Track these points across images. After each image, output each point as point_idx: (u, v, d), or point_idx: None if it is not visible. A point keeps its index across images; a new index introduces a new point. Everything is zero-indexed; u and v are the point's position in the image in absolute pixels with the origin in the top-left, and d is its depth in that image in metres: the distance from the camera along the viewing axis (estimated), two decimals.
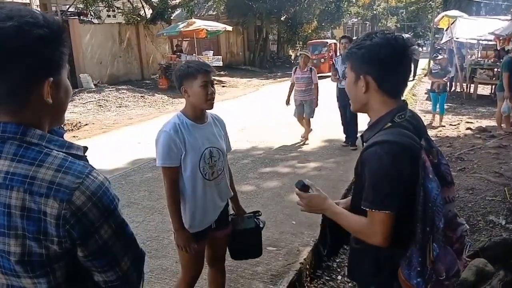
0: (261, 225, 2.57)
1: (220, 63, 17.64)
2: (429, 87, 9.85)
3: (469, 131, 8.21)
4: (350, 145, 6.99)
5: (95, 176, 0.96)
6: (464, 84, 13.40)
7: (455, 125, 8.97)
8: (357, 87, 1.46)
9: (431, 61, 14.19)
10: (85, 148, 1.05)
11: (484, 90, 13.50)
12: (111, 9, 17.13)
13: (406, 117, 1.43)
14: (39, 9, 13.74)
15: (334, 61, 6.83)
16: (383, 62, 1.38)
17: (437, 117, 9.20)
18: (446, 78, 9.11)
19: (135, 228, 4.19)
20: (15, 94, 0.92)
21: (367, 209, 1.37)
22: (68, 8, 16.39)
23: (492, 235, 3.69)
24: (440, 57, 9.27)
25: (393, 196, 1.33)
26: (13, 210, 0.91)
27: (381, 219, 1.35)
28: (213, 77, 2.24)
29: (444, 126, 9.01)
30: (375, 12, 46.60)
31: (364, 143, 1.49)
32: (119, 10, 17.54)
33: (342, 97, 6.71)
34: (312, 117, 7.54)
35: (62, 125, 1.87)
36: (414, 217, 1.33)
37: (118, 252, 1.00)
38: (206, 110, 2.30)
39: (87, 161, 1.04)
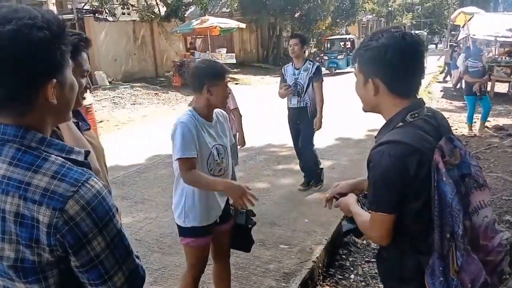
0: (249, 225, 2.55)
1: (234, 61, 17.65)
2: (448, 86, 8.98)
3: (485, 130, 8.07)
4: (314, 185, 5.09)
5: (91, 185, 0.92)
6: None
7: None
8: (366, 90, 1.42)
9: (460, 58, 13.60)
10: (87, 153, 1.02)
11: (501, 88, 13.25)
12: (125, 7, 17.27)
13: (422, 115, 1.38)
14: (55, 7, 13.95)
15: (283, 70, 5.00)
16: (391, 64, 1.33)
17: (472, 124, 8.07)
18: (486, 76, 7.93)
19: (148, 224, 4.24)
20: (18, 98, 0.90)
21: (368, 209, 1.40)
22: (84, 6, 16.55)
23: (509, 236, 3.63)
24: (483, 52, 8.28)
25: (391, 198, 1.31)
26: (8, 215, 0.89)
27: (379, 219, 1.35)
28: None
29: (489, 132, 7.84)
30: (390, 8, 46.01)
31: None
32: (134, 8, 17.66)
33: (294, 119, 5.11)
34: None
35: (86, 121, 1.89)
36: (432, 223, 1.29)
37: (111, 266, 0.95)
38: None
39: (89, 166, 1.00)
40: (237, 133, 4.36)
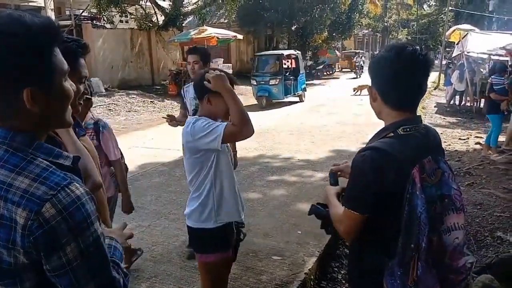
0: (241, 236, 2.47)
1: (230, 71, 17.71)
2: (442, 102, 8.53)
3: (478, 146, 8.15)
4: None
5: (72, 190, 0.91)
6: (474, 99, 13.32)
7: (464, 139, 8.92)
8: (371, 98, 1.53)
9: (454, 74, 13.67)
10: (76, 158, 1.02)
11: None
12: (124, 15, 17.33)
13: (414, 131, 1.44)
14: (53, 13, 13.95)
15: (183, 92, 3.84)
16: (383, 75, 1.45)
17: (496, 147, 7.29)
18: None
19: (141, 232, 4.21)
20: (0, 103, 0.92)
21: (342, 205, 1.49)
22: (82, 12, 16.62)
23: (499, 252, 3.65)
24: (509, 68, 7.39)
25: (364, 200, 1.39)
26: None
27: (349, 216, 1.43)
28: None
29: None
30: (386, 24, 46.59)
31: None
32: (132, 16, 17.74)
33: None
34: None
35: (82, 127, 1.89)
36: (398, 230, 1.36)
37: (83, 275, 0.92)
38: None
39: (78, 171, 1.00)
40: None
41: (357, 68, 27.02)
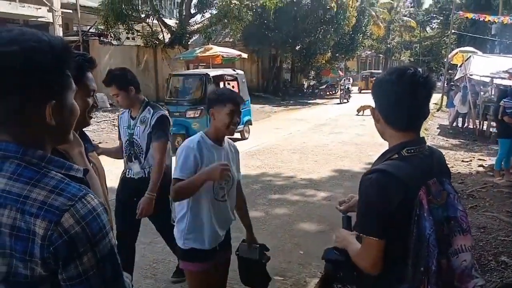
0: (263, 260, 2.57)
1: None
2: (444, 123, 8.46)
3: (481, 169, 8.13)
4: None
5: (88, 200, 0.94)
6: (477, 121, 13.35)
7: (467, 161, 8.90)
8: (374, 118, 1.54)
9: (457, 97, 13.66)
10: (86, 171, 1.05)
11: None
12: (130, 32, 17.61)
13: (418, 152, 1.44)
14: (61, 29, 14.14)
15: (119, 119, 3.34)
16: (385, 98, 1.47)
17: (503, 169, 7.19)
18: None
19: (142, 249, 4.19)
20: (16, 116, 0.94)
21: (358, 233, 1.45)
22: (89, 28, 16.88)
23: (504, 277, 3.61)
24: None
25: (377, 224, 1.37)
26: (3, 228, 0.90)
27: (368, 244, 1.39)
28: (241, 109, 2.35)
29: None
30: (389, 45, 47.06)
31: None
32: (139, 33, 18.02)
33: (130, 194, 3.11)
34: None
35: (91, 142, 1.91)
36: (407, 253, 1.35)
37: (98, 284, 0.94)
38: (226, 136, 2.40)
39: (87, 183, 1.03)
40: None
41: (343, 93, 23.98)
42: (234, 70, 12.07)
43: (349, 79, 26.76)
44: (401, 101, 1.42)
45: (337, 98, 28.55)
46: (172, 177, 2.28)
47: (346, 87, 24.01)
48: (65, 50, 0.99)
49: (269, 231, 4.74)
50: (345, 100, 23.52)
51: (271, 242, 4.39)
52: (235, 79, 11.56)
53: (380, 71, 34.60)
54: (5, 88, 0.91)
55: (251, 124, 11.84)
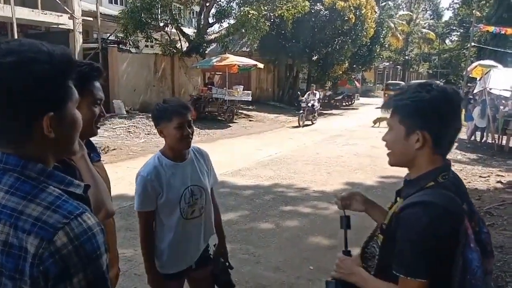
0: (221, 277, 2.41)
1: (250, 98, 17.91)
2: (462, 137, 8.20)
3: (499, 185, 7.92)
4: None
5: (84, 219, 0.91)
6: (496, 136, 13.08)
7: (485, 177, 8.69)
8: (407, 142, 1.35)
9: (476, 110, 13.40)
10: (87, 187, 1.03)
11: None
12: (149, 40, 17.85)
13: (450, 177, 1.34)
14: (81, 36, 14.44)
15: None
16: (443, 117, 1.30)
17: None
18: None
19: (141, 263, 4.16)
20: (14, 128, 0.92)
21: (400, 275, 1.26)
22: (109, 36, 17.17)
23: None
24: None
25: (429, 263, 1.22)
26: None
27: (413, 286, 1.23)
28: (190, 118, 2.16)
29: None
30: (407, 57, 46.71)
31: (398, 199, 1.41)
32: (157, 42, 18.25)
33: None
34: None
35: (97, 152, 1.90)
36: None
37: None
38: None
39: (87, 200, 1.00)
40: None
41: (304, 112, 16.87)
42: None
43: (315, 93, 18.12)
44: (453, 122, 1.33)
45: (355, 108, 28.36)
46: (136, 209, 2.20)
47: (310, 104, 17.22)
48: (66, 61, 0.97)
49: (278, 244, 4.67)
50: (308, 122, 17.15)
51: (280, 255, 4.34)
52: None
53: (399, 82, 34.00)
54: (2, 99, 0.90)
55: None
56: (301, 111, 17.11)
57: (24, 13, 12.83)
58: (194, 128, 2.26)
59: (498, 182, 8.15)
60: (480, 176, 8.72)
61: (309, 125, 16.99)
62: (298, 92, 21.01)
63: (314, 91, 18.20)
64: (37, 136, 0.94)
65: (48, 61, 0.92)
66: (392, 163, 1.45)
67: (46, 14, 13.45)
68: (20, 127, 0.93)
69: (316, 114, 17.84)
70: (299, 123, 16.51)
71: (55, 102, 0.95)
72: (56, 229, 0.87)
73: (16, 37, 12.19)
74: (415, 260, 1.23)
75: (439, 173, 1.31)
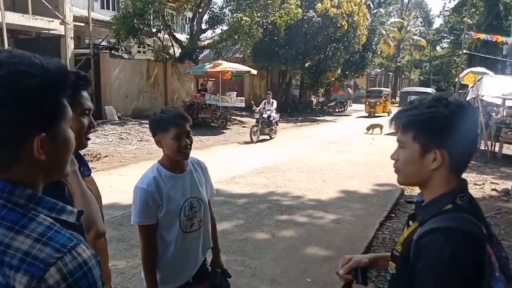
0: (222, 287, 2.35)
1: (243, 104, 17.85)
2: None
3: (494, 193, 7.90)
4: None
5: (79, 252, 0.82)
6: (489, 143, 13.13)
7: (479, 184, 8.68)
8: (422, 162, 1.23)
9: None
10: (80, 213, 0.94)
11: (510, 149, 13.18)
12: (141, 46, 17.75)
13: (468, 198, 1.22)
14: (72, 41, 14.31)
15: None
16: (462, 135, 1.18)
17: None
18: None
19: (134, 276, 4.04)
20: (2, 149, 0.83)
21: None
22: (101, 42, 17.04)
23: None
24: None
25: None
26: None
27: None
28: (188, 128, 2.10)
29: None
30: (398, 64, 47.09)
31: (411, 223, 1.30)
32: (150, 48, 18.17)
33: None
34: None
35: (87, 166, 1.80)
36: None
37: None
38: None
39: (81, 228, 0.91)
40: None
41: (259, 125, 13.71)
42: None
43: (271, 102, 14.56)
44: (471, 140, 1.23)
45: (348, 115, 28.39)
46: (135, 223, 2.10)
47: (266, 115, 13.95)
48: (61, 76, 0.87)
49: (274, 255, 4.57)
50: (265, 136, 14.16)
51: (276, 267, 4.24)
52: None
53: (381, 88, 32.83)
54: None
55: None
56: (255, 124, 13.96)
57: (15, 18, 12.67)
58: None
59: (493, 190, 8.13)
60: (475, 184, 8.70)
61: (267, 139, 14.13)
62: (252, 101, 16.72)
63: (271, 99, 14.66)
64: (26, 159, 0.84)
65: (40, 75, 0.83)
66: (402, 182, 1.34)
67: (37, 19, 13.30)
68: (7, 149, 0.83)
69: (274, 127, 14.49)
70: (251, 138, 13.31)
71: (46, 121, 0.86)
72: (48, 265, 0.77)
73: (6, 42, 12.02)
74: None
75: (456, 195, 1.20)
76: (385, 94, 27.99)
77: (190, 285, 2.22)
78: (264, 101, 14.69)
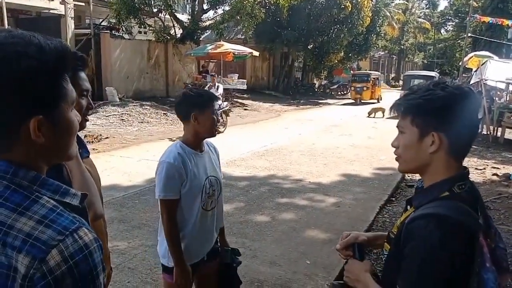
0: (234, 264, 2.42)
1: (244, 87, 17.77)
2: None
3: (495, 177, 7.89)
4: None
5: (80, 236, 0.82)
6: (491, 127, 13.08)
7: (481, 169, 8.67)
8: (421, 146, 1.22)
9: None
10: (84, 196, 0.93)
11: None
12: (142, 26, 17.54)
13: (467, 187, 1.20)
14: (73, 21, 14.13)
15: None
16: (460, 117, 1.17)
17: None
18: None
19: (143, 252, 4.08)
20: (3, 131, 0.83)
21: None
22: (101, 22, 16.86)
23: None
24: None
25: (439, 282, 1.11)
26: None
27: None
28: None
29: None
30: (402, 47, 46.58)
31: (408, 207, 1.29)
32: (151, 28, 17.94)
33: None
34: None
35: (86, 147, 1.79)
36: None
37: None
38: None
39: (84, 210, 0.91)
40: None
41: (221, 118, 10.97)
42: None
43: (217, 86, 12.03)
44: (470, 122, 1.20)
45: (349, 98, 27.66)
46: (160, 197, 2.11)
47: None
48: (60, 56, 0.85)
49: (274, 237, 4.59)
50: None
51: (276, 249, 4.27)
52: None
53: (367, 72, 28.47)
54: None
55: None
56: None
57: None
58: None
59: (494, 174, 8.12)
60: (476, 169, 8.69)
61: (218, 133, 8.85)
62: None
63: (216, 83, 12.25)
64: (25, 141, 0.84)
65: (38, 57, 0.81)
66: (402, 170, 1.32)
67: None
68: (4, 130, 0.83)
69: (223, 118, 11.31)
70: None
71: (44, 103, 0.84)
72: (49, 247, 0.78)
73: (6, 22, 11.89)
74: (423, 281, 1.11)
75: (455, 182, 1.19)
76: (373, 78, 24.42)
77: (203, 263, 2.28)
78: (208, 84, 12.49)
